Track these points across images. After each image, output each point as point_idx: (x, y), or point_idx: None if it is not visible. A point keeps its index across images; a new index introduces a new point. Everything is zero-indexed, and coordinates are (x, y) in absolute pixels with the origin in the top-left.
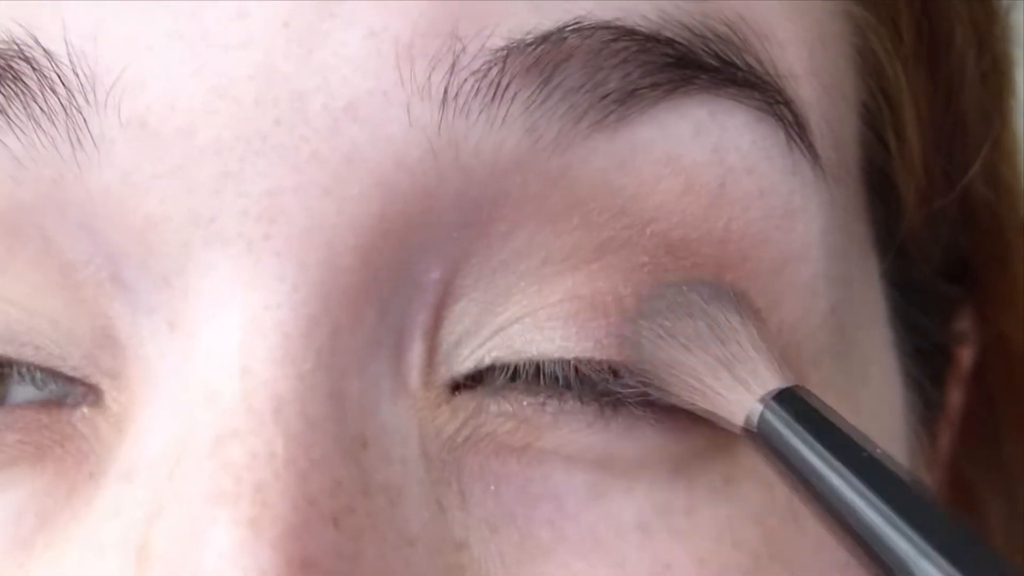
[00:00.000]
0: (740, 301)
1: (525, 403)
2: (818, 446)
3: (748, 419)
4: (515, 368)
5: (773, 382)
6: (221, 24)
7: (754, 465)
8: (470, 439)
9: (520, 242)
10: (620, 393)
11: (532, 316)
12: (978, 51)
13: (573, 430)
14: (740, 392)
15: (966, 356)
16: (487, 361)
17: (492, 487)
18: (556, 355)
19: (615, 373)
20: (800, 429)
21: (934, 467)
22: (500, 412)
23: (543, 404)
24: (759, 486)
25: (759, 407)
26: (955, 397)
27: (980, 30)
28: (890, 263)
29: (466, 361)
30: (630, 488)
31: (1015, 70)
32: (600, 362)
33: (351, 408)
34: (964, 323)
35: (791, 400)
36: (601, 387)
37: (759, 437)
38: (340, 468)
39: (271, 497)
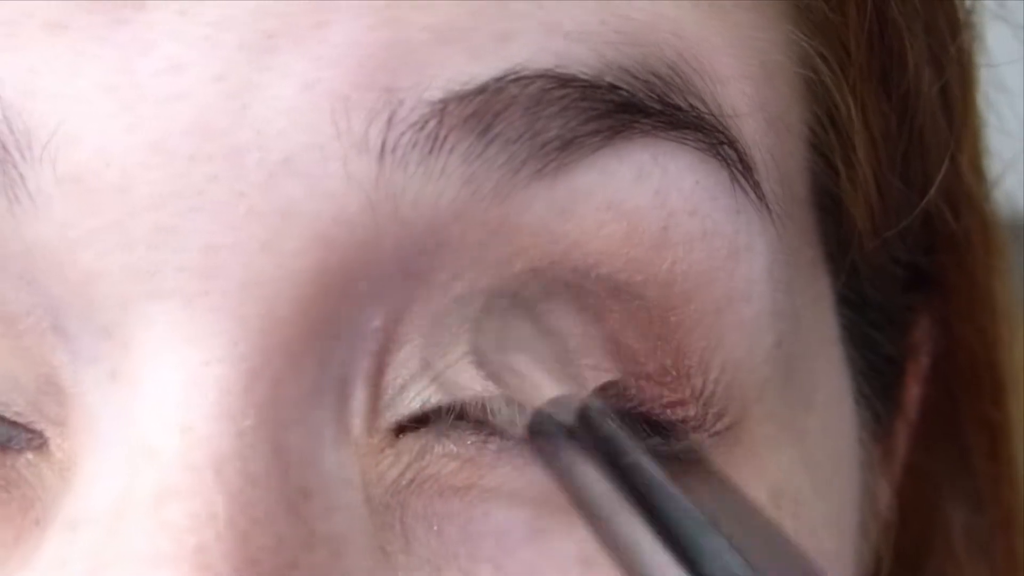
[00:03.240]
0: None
1: (469, 442)
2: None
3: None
4: (462, 407)
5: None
6: (155, 78)
7: None
8: (414, 481)
9: (461, 290)
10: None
11: (474, 358)
12: (935, 69)
13: (515, 467)
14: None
15: (924, 358)
16: (433, 402)
17: (435, 527)
18: (495, 403)
19: None
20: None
21: (889, 474)
22: (444, 452)
23: (485, 442)
24: None
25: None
26: (913, 394)
27: (936, 48)
28: (842, 281)
29: (411, 403)
30: (572, 524)
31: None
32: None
33: (293, 460)
34: (922, 330)
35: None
36: None
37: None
38: (282, 524)
39: (212, 559)
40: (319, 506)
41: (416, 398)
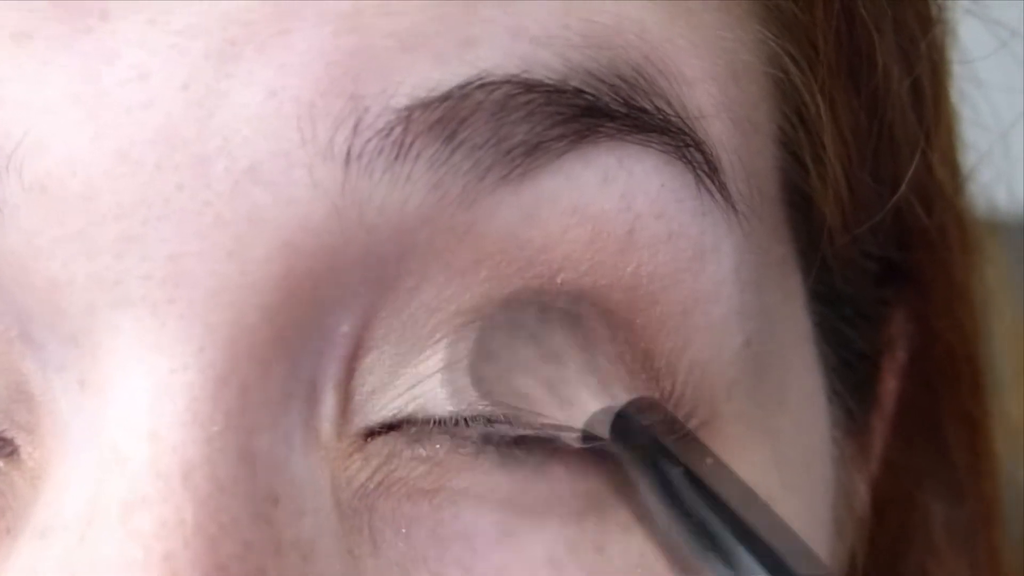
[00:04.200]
0: (576, 320)
1: (438, 445)
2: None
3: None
4: (430, 417)
5: (596, 403)
6: (121, 86)
7: None
8: (382, 484)
9: (428, 296)
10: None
11: (447, 370)
12: (904, 66)
13: (485, 470)
14: (570, 411)
15: (900, 353)
16: (404, 413)
17: (403, 530)
18: (468, 413)
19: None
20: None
21: (864, 470)
22: (414, 456)
23: (458, 446)
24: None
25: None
26: (889, 388)
27: (905, 44)
28: (814, 276)
29: (382, 411)
30: (540, 526)
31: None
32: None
33: (261, 465)
34: (897, 324)
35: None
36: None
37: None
38: (250, 530)
39: (180, 566)
40: (288, 511)
41: (387, 406)
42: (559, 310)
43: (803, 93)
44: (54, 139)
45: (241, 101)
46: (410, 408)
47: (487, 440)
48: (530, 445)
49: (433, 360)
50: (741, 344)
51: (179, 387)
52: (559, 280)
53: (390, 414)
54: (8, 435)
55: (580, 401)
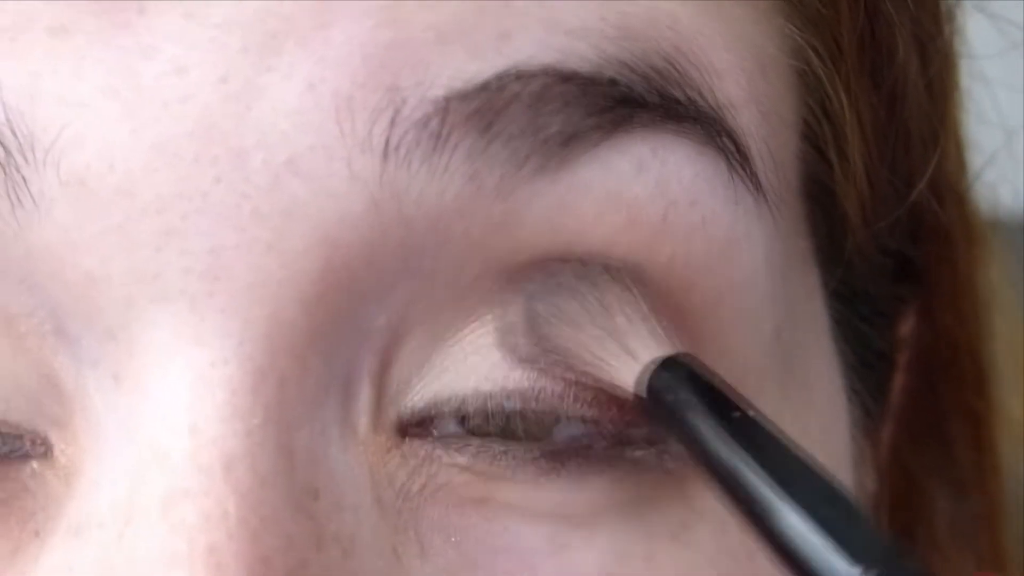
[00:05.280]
0: (629, 274)
1: (479, 456)
2: (700, 408)
3: (638, 387)
4: (463, 410)
5: (658, 351)
6: (158, 80)
7: (707, 507)
8: (426, 489)
9: (465, 282)
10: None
11: (475, 346)
12: (921, 62)
13: (527, 481)
14: (628, 361)
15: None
16: (434, 392)
17: (453, 539)
18: (500, 386)
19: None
20: (684, 394)
21: (877, 467)
22: (453, 463)
23: (497, 457)
24: (713, 529)
25: (643, 375)
26: (898, 385)
27: (923, 41)
28: (834, 273)
29: (414, 397)
30: (590, 537)
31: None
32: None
33: (301, 459)
34: (908, 322)
35: (675, 367)
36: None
37: (650, 403)
38: (292, 523)
39: (225, 558)
40: (328, 505)
41: (419, 392)
42: (598, 268)
43: (826, 87)
44: (92, 133)
45: (280, 95)
46: (443, 386)
47: (524, 449)
48: (566, 455)
49: (466, 343)
50: (771, 334)
51: (219, 381)
52: (597, 264)
53: (422, 400)
54: (40, 429)
55: (633, 351)
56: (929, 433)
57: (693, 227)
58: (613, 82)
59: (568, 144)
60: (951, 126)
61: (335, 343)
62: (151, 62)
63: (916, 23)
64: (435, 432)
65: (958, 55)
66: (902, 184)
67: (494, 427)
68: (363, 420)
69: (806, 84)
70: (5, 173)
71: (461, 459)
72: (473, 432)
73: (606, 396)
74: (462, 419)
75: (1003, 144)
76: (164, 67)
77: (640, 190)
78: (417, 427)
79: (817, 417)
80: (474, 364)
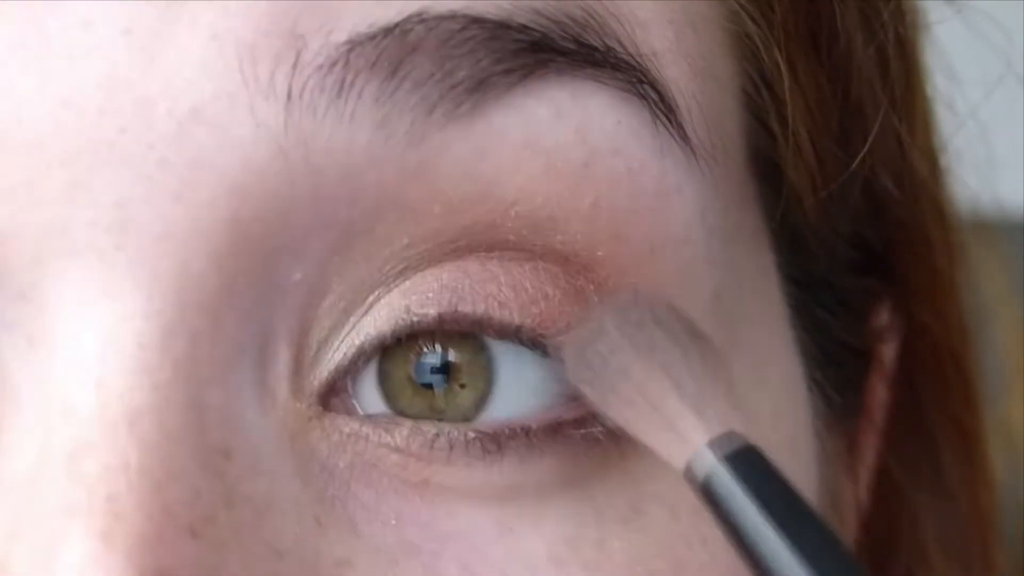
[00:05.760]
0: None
1: (412, 438)
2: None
3: (692, 466)
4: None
5: (721, 426)
6: (64, 33)
7: (658, 490)
8: (354, 466)
9: (381, 234)
10: None
11: (397, 288)
12: (867, 35)
13: (466, 464)
14: (690, 429)
15: (888, 352)
16: (356, 342)
17: (393, 522)
18: (419, 311)
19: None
20: (749, 496)
21: (855, 476)
22: (382, 443)
23: (432, 442)
24: (665, 513)
25: (711, 460)
26: (879, 395)
27: (868, 13)
28: (789, 259)
29: (335, 354)
30: (538, 522)
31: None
32: (464, 314)
33: (212, 418)
34: (882, 318)
35: (744, 459)
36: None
37: (699, 486)
38: (199, 479)
39: (124, 508)
40: (241, 467)
41: (338, 349)
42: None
43: (763, 53)
44: None
45: (183, 44)
46: (361, 339)
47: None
48: (504, 437)
49: (382, 291)
50: (711, 295)
51: (127, 335)
52: (512, 213)
53: (342, 355)
54: None
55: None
56: (916, 444)
57: (618, 175)
58: (524, 27)
59: (479, 89)
60: (919, 120)
61: (249, 299)
62: (57, 16)
63: None
64: (359, 409)
65: (918, 40)
66: (859, 165)
67: (418, 393)
68: (282, 385)
69: (743, 49)
70: None
71: (391, 439)
72: (402, 412)
73: (533, 308)
74: (383, 382)
75: (1004, 146)
76: (70, 19)
77: (560, 136)
78: (338, 396)
79: (768, 396)
80: (398, 304)
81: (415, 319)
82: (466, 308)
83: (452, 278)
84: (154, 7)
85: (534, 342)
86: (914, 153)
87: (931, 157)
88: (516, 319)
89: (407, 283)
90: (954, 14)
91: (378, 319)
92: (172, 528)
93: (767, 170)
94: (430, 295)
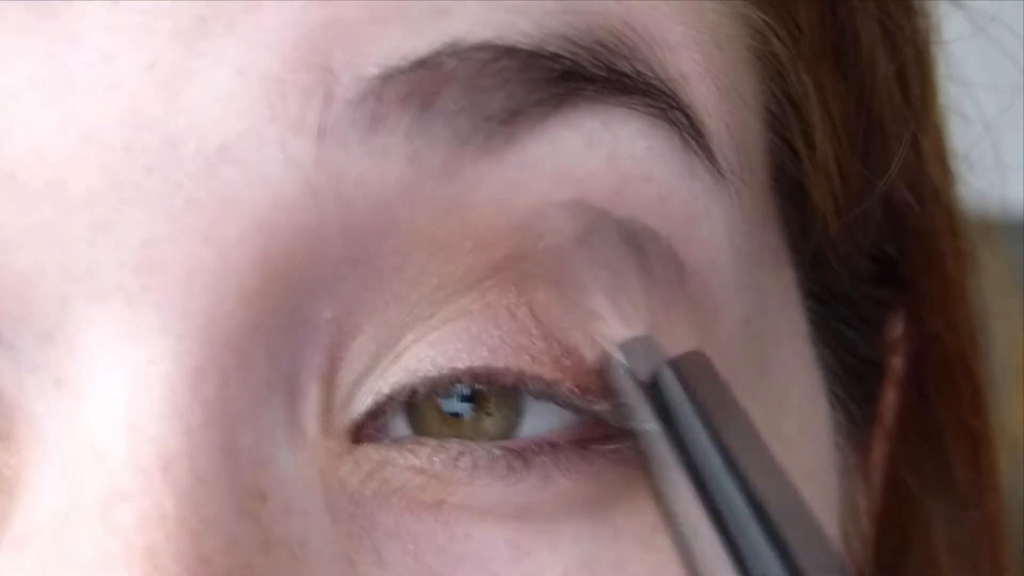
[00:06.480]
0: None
1: (435, 457)
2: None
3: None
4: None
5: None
6: (85, 68)
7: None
8: (379, 493)
9: (412, 273)
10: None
11: (426, 338)
12: (890, 51)
13: (487, 484)
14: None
15: (898, 360)
16: (385, 391)
17: (410, 546)
18: (449, 366)
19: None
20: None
21: (868, 482)
22: (408, 466)
23: (456, 460)
24: None
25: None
26: (889, 401)
27: (891, 30)
28: (810, 275)
29: (365, 397)
30: (554, 543)
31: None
32: (497, 370)
33: (245, 461)
34: (896, 328)
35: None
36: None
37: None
38: (235, 525)
39: (162, 560)
40: (275, 508)
41: (369, 392)
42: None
43: (789, 72)
44: (20, 126)
45: (210, 79)
46: (391, 383)
47: (484, 451)
48: (531, 453)
49: (413, 335)
50: (740, 321)
51: (157, 378)
52: (543, 245)
53: (372, 398)
54: None
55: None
56: (926, 449)
57: (648, 202)
58: (556, 56)
59: (512, 121)
60: (930, 124)
61: (279, 339)
62: (78, 50)
63: (881, 10)
64: (387, 436)
65: (934, 53)
66: (877, 179)
67: (448, 422)
68: (312, 423)
69: (767, 68)
70: None
71: (415, 461)
72: (428, 434)
73: (565, 360)
74: (411, 410)
75: (1004, 146)
76: (91, 55)
77: (592, 165)
78: (369, 431)
79: (793, 417)
80: (426, 354)
81: (446, 372)
82: (499, 364)
83: (482, 330)
84: (178, 42)
85: (569, 404)
86: (929, 162)
87: (944, 164)
88: (548, 375)
89: (437, 334)
90: (965, 21)
91: (408, 370)
92: None
93: (788, 187)
94: (461, 347)
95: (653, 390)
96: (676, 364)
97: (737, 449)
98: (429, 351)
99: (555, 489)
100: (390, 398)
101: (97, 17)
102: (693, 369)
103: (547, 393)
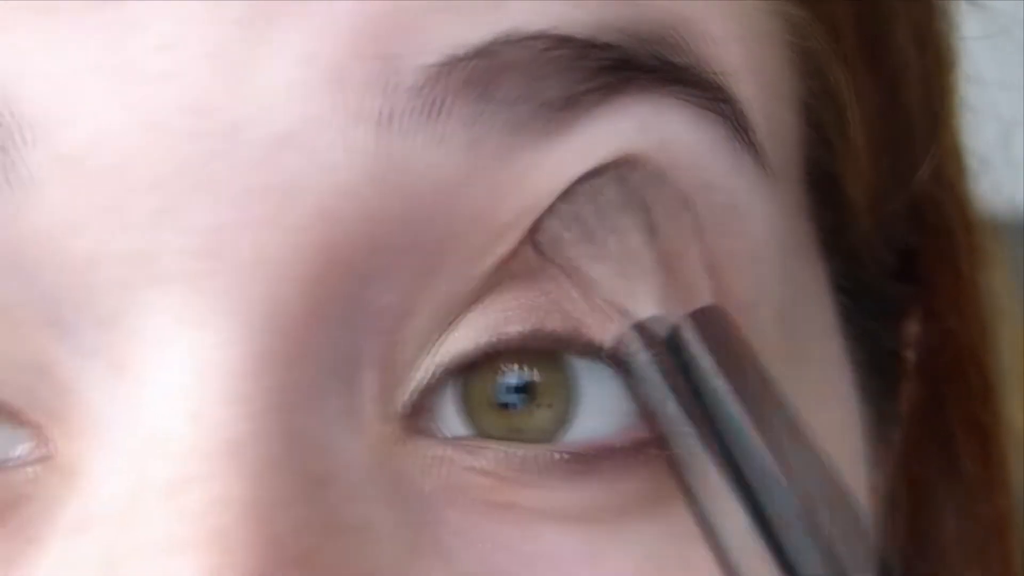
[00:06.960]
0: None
1: (500, 460)
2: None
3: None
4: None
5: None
6: (147, 55)
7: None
8: (444, 489)
9: (469, 255)
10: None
11: (478, 308)
12: (920, 49)
13: (552, 486)
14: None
15: (912, 354)
16: (438, 361)
17: (479, 545)
18: (500, 330)
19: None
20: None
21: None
22: (469, 467)
23: (522, 462)
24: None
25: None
26: (905, 390)
27: (921, 27)
28: (840, 268)
29: (419, 374)
30: (624, 543)
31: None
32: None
33: (308, 446)
34: (913, 324)
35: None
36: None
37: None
38: (303, 508)
39: (233, 542)
40: (339, 493)
41: (423, 369)
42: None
43: (827, 67)
44: (82, 111)
45: (272, 68)
46: (447, 358)
47: (547, 452)
48: (590, 457)
49: (465, 318)
50: (778, 312)
51: (220, 364)
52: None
53: (425, 375)
54: (44, 430)
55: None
56: (936, 444)
57: (695, 189)
58: (609, 46)
59: (567, 107)
60: (951, 125)
61: (339, 324)
62: (139, 37)
63: (911, 11)
64: (442, 431)
65: (953, 50)
66: (906, 175)
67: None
68: (370, 408)
69: (805, 63)
70: None
71: (477, 463)
72: (484, 434)
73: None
74: (465, 400)
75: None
76: (153, 41)
77: (646, 147)
78: (421, 418)
79: (831, 412)
80: (483, 323)
81: (498, 338)
82: (550, 326)
83: (531, 297)
84: (239, 29)
85: (616, 360)
86: (947, 157)
87: (959, 161)
88: (597, 336)
89: (489, 303)
90: (977, 20)
91: (461, 338)
92: (281, 561)
93: (822, 181)
94: (512, 314)
95: (672, 344)
96: (695, 316)
97: (757, 399)
98: (480, 318)
99: (618, 490)
100: (445, 370)
101: (159, 3)
102: (712, 320)
103: (596, 353)
